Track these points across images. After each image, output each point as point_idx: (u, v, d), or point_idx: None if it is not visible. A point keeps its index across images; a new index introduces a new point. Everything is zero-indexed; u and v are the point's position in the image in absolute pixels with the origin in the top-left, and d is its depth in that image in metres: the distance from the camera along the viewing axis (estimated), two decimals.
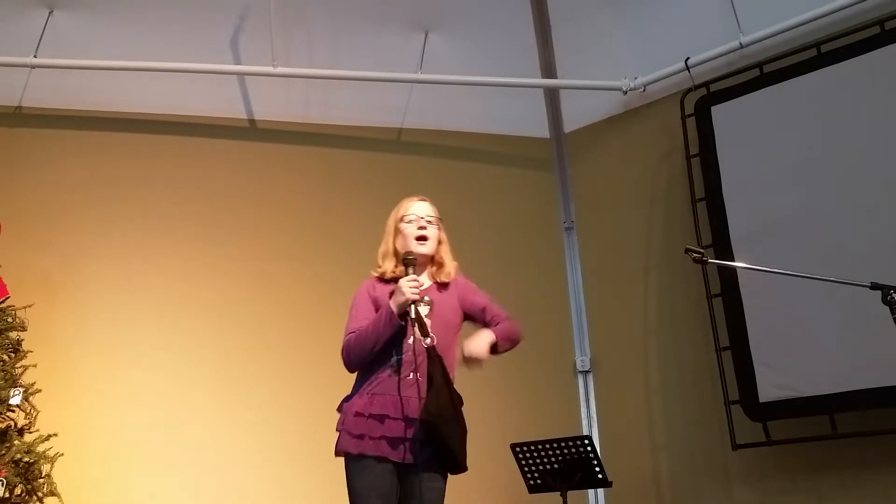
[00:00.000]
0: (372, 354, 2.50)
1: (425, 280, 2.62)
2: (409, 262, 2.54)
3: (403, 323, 2.47)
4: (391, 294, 2.51)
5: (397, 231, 2.67)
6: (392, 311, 2.46)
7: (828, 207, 3.78)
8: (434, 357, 2.47)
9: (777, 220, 3.89)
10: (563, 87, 4.93)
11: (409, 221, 2.65)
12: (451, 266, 2.67)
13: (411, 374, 2.46)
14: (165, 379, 4.04)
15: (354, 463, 2.45)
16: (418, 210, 2.67)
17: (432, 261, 2.68)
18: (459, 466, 2.49)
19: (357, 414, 2.47)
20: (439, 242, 2.68)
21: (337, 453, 2.51)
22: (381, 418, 2.43)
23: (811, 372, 3.67)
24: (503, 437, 3.74)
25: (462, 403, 2.55)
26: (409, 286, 2.45)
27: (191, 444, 3.97)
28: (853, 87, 3.81)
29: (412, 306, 2.45)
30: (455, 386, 2.58)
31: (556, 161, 5.03)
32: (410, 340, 2.49)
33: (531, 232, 4.89)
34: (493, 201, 4.86)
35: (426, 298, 2.56)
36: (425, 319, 2.51)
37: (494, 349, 2.58)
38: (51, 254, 4.09)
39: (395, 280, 2.55)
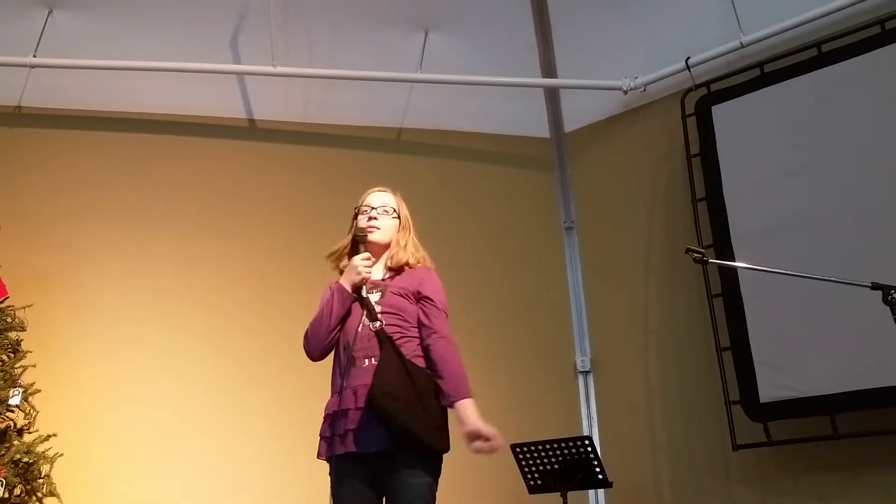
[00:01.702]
0: (329, 336, 2.45)
1: (380, 268, 2.59)
2: (359, 238, 2.54)
3: (356, 297, 2.44)
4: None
5: (353, 225, 2.66)
6: (342, 286, 2.45)
7: (828, 207, 3.78)
8: (384, 339, 2.39)
9: (777, 220, 3.89)
10: (564, 86, 4.92)
11: (363, 213, 2.63)
12: (404, 254, 2.58)
13: (366, 360, 2.39)
14: (165, 379, 4.03)
15: (331, 468, 2.39)
16: (372, 201, 2.64)
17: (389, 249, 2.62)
18: (429, 446, 2.34)
19: (326, 416, 2.44)
20: (397, 232, 2.62)
21: (319, 458, 2.46)
22: (346, 412, 2.35)
23: (812, 372, 3.67)
24: (503, 437, 3.71)
25: (421, 384, 2.39)
26: (363, 264, 2.45)
27: (190, 444, 3.97)
28: (853, 87, 3.80)
29: (363, 287, 2.45)
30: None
31: (556, 161, 5.02)
32: (360, 328, 2.43)
33: (531, 232, 4.88)
34: (493, 201, 4.85)
35: (380, 286, 2.51)
36: (374, 305, 2.46)
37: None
38: (50, 254, 4.08)
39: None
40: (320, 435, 2.45)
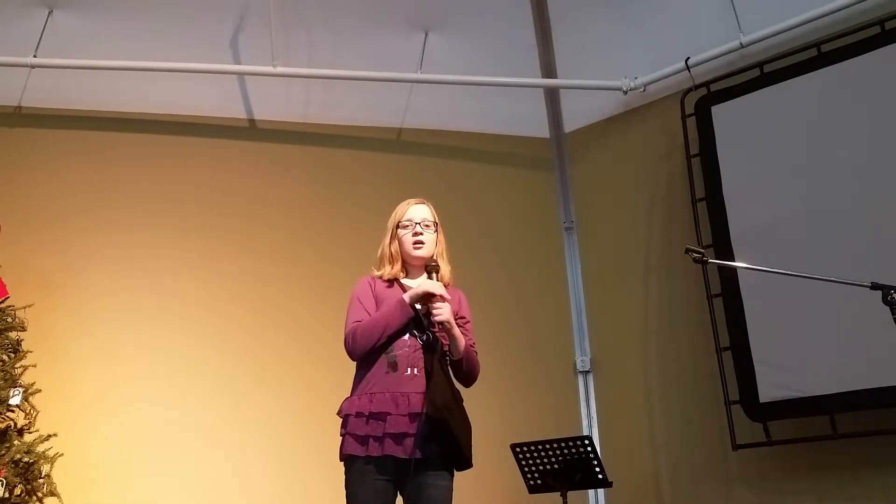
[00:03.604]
0: (379, 343, 2.50)
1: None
2: (431, 268, 2.57)
3: (414, 314, 2.49)
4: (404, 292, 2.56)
5: (394, 235, 2.69)
6: (405, 302, 2.50)
7: (828, 207, 3.78)
8: (434, 354, 2.47)
9: (777, 220, 3.89)
10: (563, 87, 4.93)
11: (405, 227, 2.66)
12: (445, 270, 2.67)
13: (409, 369, 2.46)
14: (165, 379, 4.04)
15: (356, 468, 2.44)
16: (414, 214, 2.68)
17: None
18: (466, 462, 2.48)
19: (358, 415, 2.46)
20: (436, 245, 2.68)
21: (342, 458, 2.49)
22: (384, 416, 2.41)
23: (811, 372, 3.67)
24: (503, 437, 3.74)
25: (461, 399, 2.56)
26: (439, 292, 2.48)
27: (190, 443, 3.97)
28: (853, 87, 3.81)
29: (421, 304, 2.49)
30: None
31: (556, 161, 5.03)
32: (406, 337, 2.50)
33: (531, 232, 4.89)
34: (493, 201, 4.86)
35: (442, 320, 2.54)
36: (423, 319, 2.51)
37: (459, 361, 2.55)
38: (50, 254, 4.09)
39: (395, 281, 2.61)
40: (349, 433, 2.46)
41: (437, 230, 2.69)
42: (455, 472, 2.52)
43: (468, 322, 2.67)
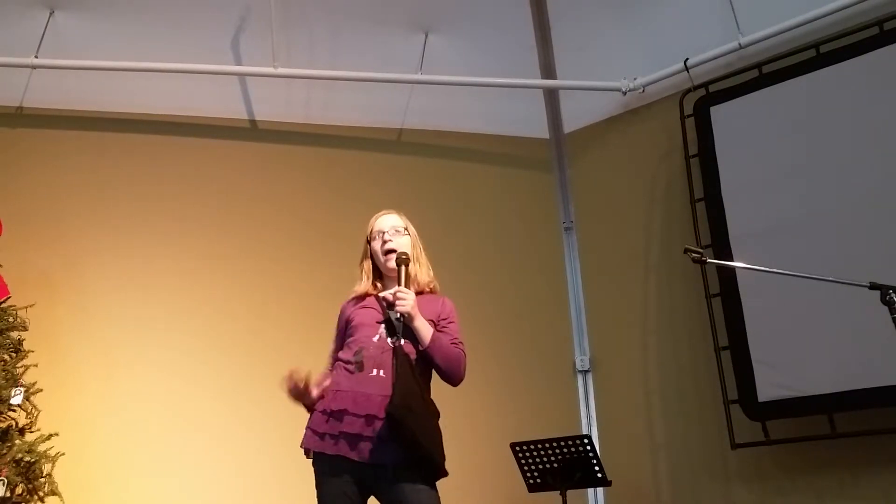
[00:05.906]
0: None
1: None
2: (401, 261, 2.53)
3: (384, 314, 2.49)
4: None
5: (367, 251, 2.69)
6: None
7: (827, 207, 3.79)
8: (401, 356, 2.43)
9: (776, 220, 3.90)
10: (563, 87, 4.94)
11: (376, 239, 2.66)
12: (423, 276, 2.64)
13: (374, 370, 2.43)
14: (166, 378, 4.04)
15: (317, 467, 2.43)
16: (383, 225, 2.67)
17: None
18: (438, 469, 2.40)
19: (322, 411, 2.45)
20: (411, 248, 2.65)
21: (302, 447, 2.49)
22: (340, 415, 2.39)
23: (810, 371, 3.68)
24: (503, 437, 3.75)
25: (438, 415, 2.49)
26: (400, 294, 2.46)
27: (192, 443, 3.98)
28: (852, 88, 3.81)
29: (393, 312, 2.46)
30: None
31: (556, 161, 5.04)
32: (375, 339, 2.49)
33: (531, 232, 4.90)
34: (493, 201, 4.87)
35: (403, 310, 2.49)
36: (397, 322, 2.49)
37: (428, 353, 2.49)
38: (51, 253, 4.09)
39: (367, 296, 2.61)
40: (310, 427, 2.47)
41: (408, 234, 2.67)
42: (435, 483, 2.44)
43: (451, 322, 2.60)
